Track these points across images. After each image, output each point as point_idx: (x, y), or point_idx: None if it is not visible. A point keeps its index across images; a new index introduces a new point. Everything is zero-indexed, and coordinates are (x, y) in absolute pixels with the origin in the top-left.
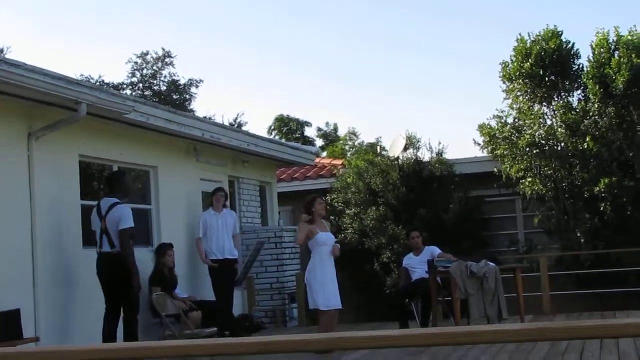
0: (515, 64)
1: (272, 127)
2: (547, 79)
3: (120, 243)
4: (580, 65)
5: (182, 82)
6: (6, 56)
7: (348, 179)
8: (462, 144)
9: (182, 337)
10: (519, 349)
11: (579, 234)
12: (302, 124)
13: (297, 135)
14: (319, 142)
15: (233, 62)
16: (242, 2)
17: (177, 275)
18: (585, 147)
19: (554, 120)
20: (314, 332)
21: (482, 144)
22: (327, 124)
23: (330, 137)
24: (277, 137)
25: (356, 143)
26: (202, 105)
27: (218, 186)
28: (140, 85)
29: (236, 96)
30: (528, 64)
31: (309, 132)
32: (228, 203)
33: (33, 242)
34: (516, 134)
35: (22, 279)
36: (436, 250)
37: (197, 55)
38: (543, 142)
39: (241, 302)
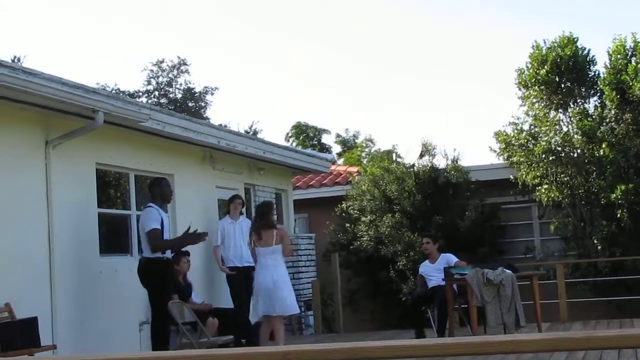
0: (531, 70)
1: (290, 135)
2: (563, 85)
3: (150, 247)
4: (597, 72)
5: (197, 89)
6: (23, 65)
7: (363, 187)
8: (478, 151)
9: (199, 345)
10: (537, 357)
11: (595, 241)
12: (320, 132)
13: (314, 142)
14: (337, 149)
15: (249, 69)
16: (259, 10)
17: (191, 283)
18: (602, 153)
19: (570, 127)
20: (331, 341)
21: (498, 151)
22: (346, 130)
23: (349, 144)
24: (294, 145)
25: (372, 150)
26: (217, 112)
27: (235, 194)
28: (156, 93)
29: (252, 104)
30: (544, 70)
31: (327, 139)
32: (244, 210)
33: (50, 250)
34: (532, 141)
35: (40, 287)
36: (452, 258)
37: (213, 62)
38: (559, 148)
39: None
